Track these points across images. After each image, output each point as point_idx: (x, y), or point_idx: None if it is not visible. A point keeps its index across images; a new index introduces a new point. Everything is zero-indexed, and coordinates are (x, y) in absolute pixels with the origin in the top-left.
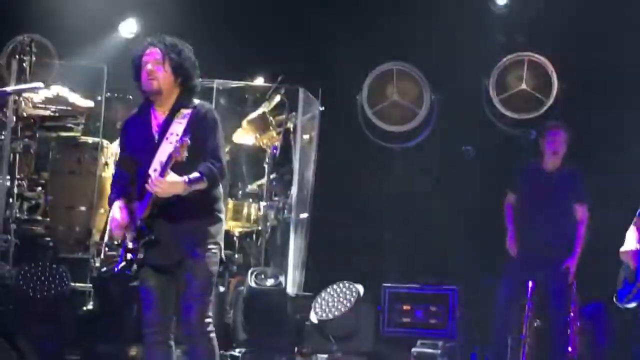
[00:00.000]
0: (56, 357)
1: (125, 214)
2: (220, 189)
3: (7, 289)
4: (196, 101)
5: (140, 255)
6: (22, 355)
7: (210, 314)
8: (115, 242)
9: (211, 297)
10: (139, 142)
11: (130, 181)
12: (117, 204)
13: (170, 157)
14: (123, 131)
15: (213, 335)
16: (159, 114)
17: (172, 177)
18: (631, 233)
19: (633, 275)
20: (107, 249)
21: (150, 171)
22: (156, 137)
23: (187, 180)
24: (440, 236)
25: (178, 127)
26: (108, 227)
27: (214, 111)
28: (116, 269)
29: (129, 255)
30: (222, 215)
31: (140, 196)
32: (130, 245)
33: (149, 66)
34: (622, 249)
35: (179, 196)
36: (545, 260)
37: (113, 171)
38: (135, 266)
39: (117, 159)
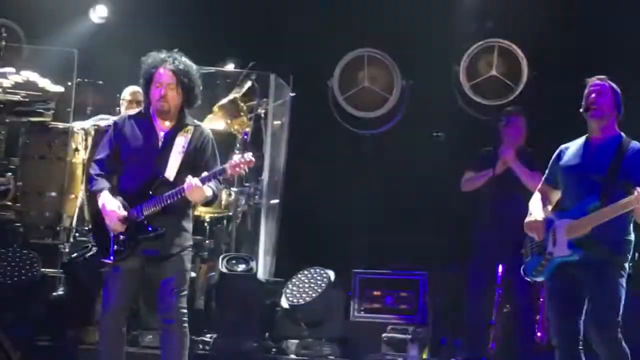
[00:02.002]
0: (26, 342)
1: (122, 210)
2: None
3: None
4: (194, 120)
5: (132, 246)
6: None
7: (185, 305)
8: (121, 237)
9: (185, 291)
10: (138, 144)
11: (112, 176)
12: (111, 197)
13: (224, 170)
14: (114, 130)
15: (187, 323)
16: (161, 123)
17: (206, 189)
18: (536, 202)
19: (540, 247)
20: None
21: (168, 175)
22: (160, 143)
23: (208, 194)
24: (410, 222)
25: (183, 140)
26: (107, 221)
27: (210, 132)
28: (110, 259)
29: (117, 247)
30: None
31: (141, 194)
32: (121, 237)
33: (163, 90)
34: (528, 219)
35: (177, 202)
36: (513, 244)
37: (94, 163)
38: (122, 256)
39: (102, 154)
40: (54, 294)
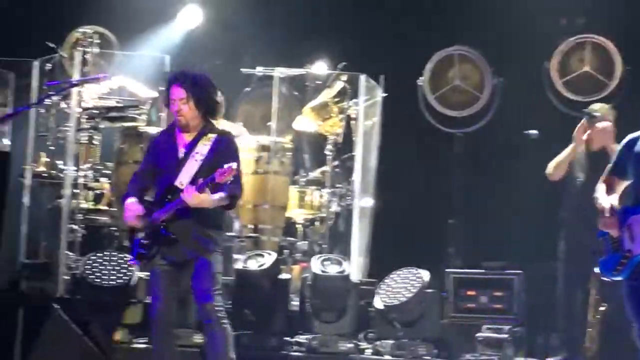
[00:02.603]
0: (124, 343)
1: (140, 207)
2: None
3: (74, 278)
4: (220, 127)
5: (153, 250)
6: (96, 342)
7: (222, 302)
8: (144, 242)
9: (220, 290)
10: (165, 157)
11: (146, 188)
12: (131, 199)
13: (213, 178)
14: (150, 146)
15: (226, 321)
16: (185, 136)
17: (205, 194)
18: (603, 194)
19: (617, 244)
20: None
21: (177, 183)
22: (181, 155)
23: (215, 198)
24: (505, 221)
25: (203, 148)
26: (125, 217)
27: (235, 139)
28: (131, 262)
29: (140, 251)
30: (225, 229)
31: (161, 202)
32: (143, 241)
33: (176, 106)
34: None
35: (196, 207)
36: None
37: (132, 176)
38: (144, 260)
39: (140, 167)
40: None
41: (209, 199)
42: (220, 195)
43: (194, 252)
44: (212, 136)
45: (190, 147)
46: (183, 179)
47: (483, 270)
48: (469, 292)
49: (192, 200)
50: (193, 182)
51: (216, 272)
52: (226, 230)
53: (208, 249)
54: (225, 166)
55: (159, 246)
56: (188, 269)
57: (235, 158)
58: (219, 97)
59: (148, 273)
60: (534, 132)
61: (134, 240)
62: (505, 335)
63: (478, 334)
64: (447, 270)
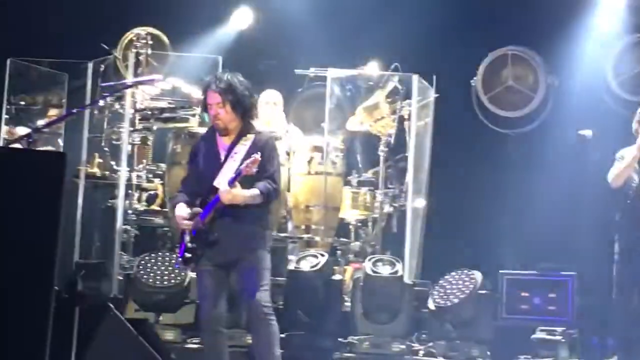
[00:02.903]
0: (177, 344)
1: (186, 212)
2: (271, 205)
3: (128, 278)
4: (258, 128)
5: (199, 253)
6: (150, 342)
7: (269, 299)
8: (190, 245)
9: (267, 287)
10: (207, 162)
11: (192, 194)
12: (180, 205)
13: (240, 171)
14: (192, 153)
15: (273, 318)
16: (224, 140)
17: (237, 189)
18: None
19: None
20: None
21: (216, 183)
22: (222, 157)
23: (247, 194)
24: (558, 222)
25: (242, 148)
26: (177, 222)
27: (273, 138)
28: (176, 265)
29: (187, 254)
30: (270, 227)
31: (203, 205)
32: (189, 244)
33: (213, 110)
34: None
35: (237, 206)
36: None
37: (181, 183)
38: (192, 263)
39: (186, 175)
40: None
41: (241, 194)
42: (253, 191)
43: (238, 251)
44: (250, 137)
45: (230, 149)
46: (222, 179)
47: (537, 272)
48: (523, 294)
49: (225, 196)
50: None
51: (262, 269)
52: (272, 228)
53: (252, 247)
54: (250, 157)
55: (204, 248)
56: (234, 268)
57: (273, 157)
58: (255, 98)
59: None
60: (588, 132)
61: (180, 244)
62: (559, 337)
63: (532, 336)
64: (500, 271)
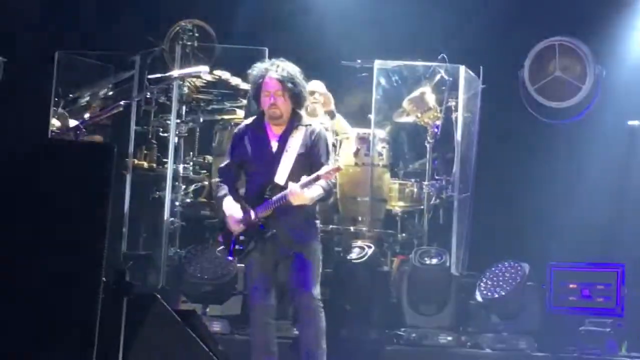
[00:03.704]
0: (225, 335)
1: (240, 211)
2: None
3: (175, 269)
4: (306, 119)
5: (251, 246)
6: (198, 333)
7: (319, 293)
8: (241, 238)
9: (318, 279)
10: (256, 151)
11: (234, 183)
12: (232, 202)
13: (318, 177)
14: (236, 140)
15: (321, 311)
16: (275, 129)
17: (309, 191)
18: None
19: None
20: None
21: (277, 179)
22: (274, 148)
23: (314, 195)
24: (606, 212)
25: (294, 141)
26: (228, 222)
27: (324, 130)
28: (230, 257)
29: (237, 247)
30: (323, 218)
31: (258, 198)
32: (241, 237)
33: (272, 98)
34: None
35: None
36: None
37: (219, 171)
38: (243, 256)
39: (225, 162)
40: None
41: (310, 196)
42: (319, 192)
43: (292, 245)
44: (302, 129)
45: (282, 140)
46: (282, 175)
47: (585, 263)
48: (571, 285)
49: (297, 198)
50: (291, 178)
51: (314, 262)
52: (322, 220)
53: (305, 240)
54: (331, 164)
55: (257, 242)
56: (286, 261)
57: (327, 151)
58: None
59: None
60: (637, 122)
61: (230, 238)
62: (608, 329)
63: (581, 328)
64: (548, 262)
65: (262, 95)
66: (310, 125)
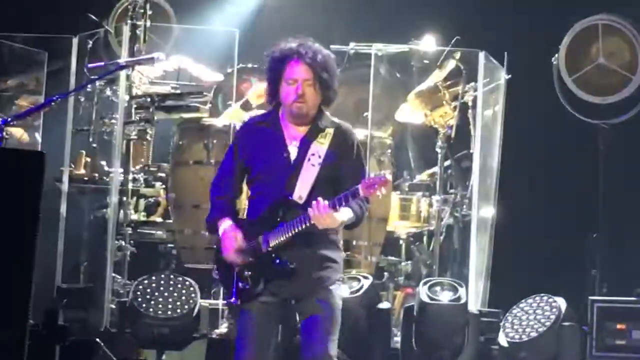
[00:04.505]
0: None
1: (242, 238)
2: None
3: (123, 307)
4: (333, 119)
5: (260, 287)
6: None
7: (336, 353)
8: (246, 273)
9: (337, 335)
10: (268, 157)
11: (235, 199)
12: (232, 226)
13: (356, 192)
14: (242, 137)
15: None
16: (295, 130)
17: (342, 214)
18: None
19: None
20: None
21: (295, 197)
22: (293, 155)
23: (345, 219)
24: None
25: (320, 148)
26: (223, 252)
27: (355, 133)
28: (233, 300)
29: (241, 285)
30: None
31: (269, 221)
32: (246, 272)
33: (300, 89)
34: None
35: (302, 229)
36: None
37: (213, 184)
38: (251, 298)
39: (223, 171)
40: (217, 331)
41: (340, 219)
42: (350, 215)
43: (314, 286)
44: (329, 132)
45: (304, 147)
46: (302, 192)
47: (635, 298)
48: (619, 326)
49: (324, 221)
50: (312, 195)
51: (336, 313)
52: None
53: (330, 280)
54: (374, 175)
55: (268, 279)
56: (300, 307)
57: (362, 161)
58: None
59: (213, 301)
60: None
61: (230, 273)
62: None
63: None
64: (590, 297)
65: (282, 84)
66: (340, 127)
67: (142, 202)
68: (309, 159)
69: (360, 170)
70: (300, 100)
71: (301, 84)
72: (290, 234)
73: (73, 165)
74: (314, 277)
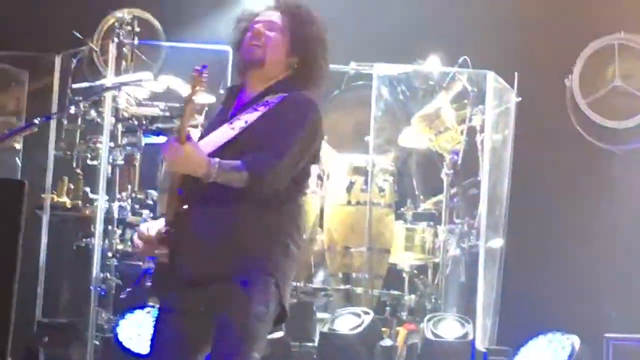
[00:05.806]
0: None
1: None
2: (301, 214)
3: (107, 345)
4: (304, 92)
5: (155, 287)
6: None
7: None
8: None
9: (256, 354)
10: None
11: None
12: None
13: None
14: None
15: None
16: (249, 89)
17: (193, 146)
18: None
19: None
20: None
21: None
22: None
23: (215, 161)
24: None
25: (252, 114)
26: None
27: (313, 105)
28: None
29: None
30: (294, 252)
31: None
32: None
33: (257, 26)
34: None
35: (228, 201)
36: None
37: None
38: (149, 284)
39: None
40: None
41: (201, 159)
42: (230, 163)
43: (214, 291)
44: (275, 96)
45: (238, 110)
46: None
47: None
48: None
49: (172, 156)
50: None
51: (252, 327)
52: (300, 276)
53: (238, 285)
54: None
55: (159, 280)
56: (210, 306)
57: (295, 122)
58: (326, 69)
59: None
60: None
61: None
62: None
63: None
64: (606, 335)
65: (248, 30)
66: (295, 93)
67: (128, 231)
68: (231, 122)
69: (285, 136)
70: (255, 42)
71: (263, 25)
72: (176, 201)
73: (55, 192)
74: (212, 279)
